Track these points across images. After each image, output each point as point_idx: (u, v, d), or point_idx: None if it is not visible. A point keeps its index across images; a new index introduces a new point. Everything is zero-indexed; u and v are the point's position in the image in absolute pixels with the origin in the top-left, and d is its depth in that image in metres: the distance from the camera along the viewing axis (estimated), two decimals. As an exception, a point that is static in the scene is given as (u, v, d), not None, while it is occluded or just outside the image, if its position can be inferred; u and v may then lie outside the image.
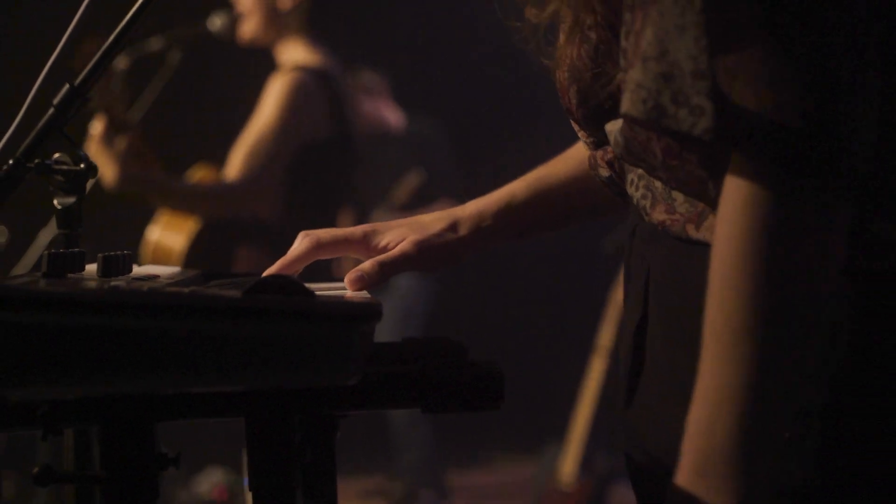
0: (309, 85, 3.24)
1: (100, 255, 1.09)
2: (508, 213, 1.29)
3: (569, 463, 4.21)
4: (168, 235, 3.18)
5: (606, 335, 4.21)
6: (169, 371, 0.91)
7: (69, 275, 1.06)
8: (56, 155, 1.29)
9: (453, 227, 1.28)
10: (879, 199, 0.95)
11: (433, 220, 1.28)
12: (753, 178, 0.88)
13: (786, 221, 0.87)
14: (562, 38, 1.08)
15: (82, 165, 1.28)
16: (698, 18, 0.87)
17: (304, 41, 3.33)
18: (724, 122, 0.87)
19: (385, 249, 1.26)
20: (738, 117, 0.86)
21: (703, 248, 0.96)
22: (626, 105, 0.91)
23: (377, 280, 1.22)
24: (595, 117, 1.07)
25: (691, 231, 1.02)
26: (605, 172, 1.13)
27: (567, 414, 4.33)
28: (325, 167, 3.28)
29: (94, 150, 2.89)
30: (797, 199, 0.87)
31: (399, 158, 5.48)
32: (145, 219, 3.29)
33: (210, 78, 3.89)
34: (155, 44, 3.25)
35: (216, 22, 3.30)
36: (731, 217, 0.89)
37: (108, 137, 2.90)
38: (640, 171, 1.06)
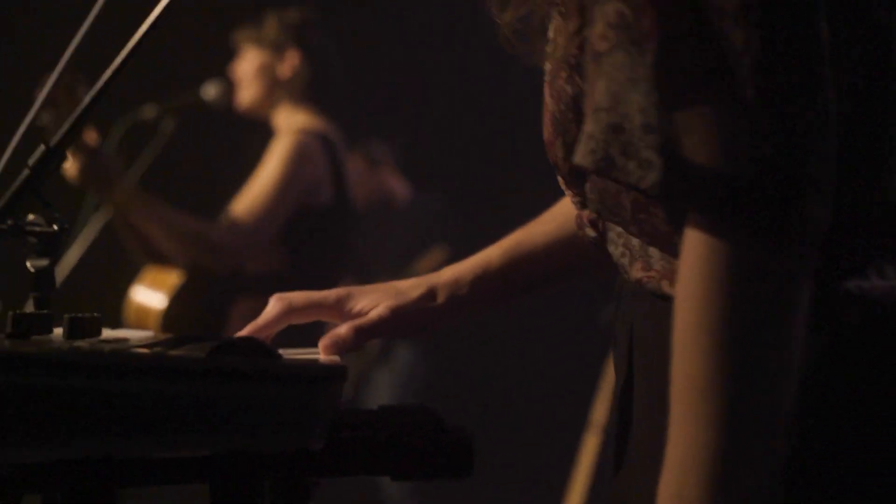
0: (311, 146, 3.25)
1: (66, 316, 1.07)
2: (484, 280, 1.27)
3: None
4: (150, 295, 3.14)
5: (600, 411, 4.16)
6: (130, 433, 0.90)
7: (34, 336, 1.04)
8: (30, 216, 1.27)
9: (430, 294, 1.26)
10: (841, 250, 0.93)
11: (409, 287, 1.26)
12: (708, 234, 0.86)
13: (743, 278, 0.86)
14: (545, 90, 1.08)
15: (56, 227, 1.26)
16: (649, 72, 0.86)
17: (303, 108, 3.35)
18: (673, 177, 0.86)
19: (359, 314, 1.23)
20: (688, 172, 0.85)
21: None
22: (578, 155, 0.91)
23: (352, 345, 1.20)
24: (581, 174, 1.06)
25: (667, 287, 1.01)
26: (590, 233, 1.12)
27: (562, 491, 4.28)
28: (324, 231, 3.27)
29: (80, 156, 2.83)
30: (753, 254, 0.86)
31: (406, 229, 5.50)
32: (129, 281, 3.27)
33: (203, 146, 3.89)
34: (148, 112, 3.26)
35: (210, 91, 3.31)
36: (688, 275, 0.88)
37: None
38: (619, 229, 1.05)
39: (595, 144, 0.89)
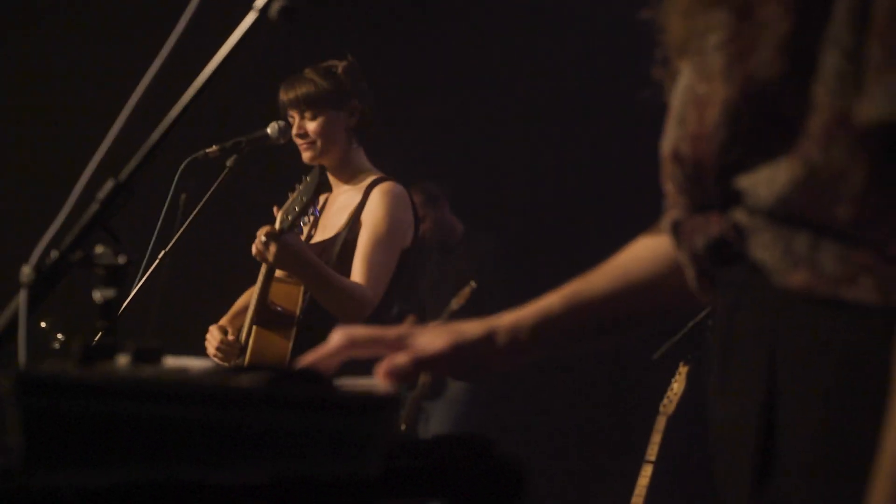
0: (404, 194, 3.34)
1: (129, 345, 1.10)
2: (544, 327, 1.27)
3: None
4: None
5: (654, 449, 4.14)
6: (189, 460, 0.92)
7: (98, 364, 1.08)
8: (98, 248, 1.32)
9: (490, 337, 1.26)
10: None
11: (470, 328, 1.27)
12: None
13: None
14: (719, 60, 1.00)
15: (122, 260, 1.31)
16: None
17: (361, 152, 3.42)
18: None
19: (422, 345, 1.25)
20: None
21: (858, 311, 0.91)
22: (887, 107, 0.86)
23: (409, 373, 1.22)
24: (736, 167, 1.00)
25: (844, 292, 0.93)
26: (701, 241, 1.06)
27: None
28: (408, 273, 3.34)
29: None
30: None
31: (460, 267, 5.53)
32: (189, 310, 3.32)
33: (262, 178, 3.96)
34: (212, 150, 3.33)
35: (275, 129, 3.38)
36: None
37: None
38: (779, 230, 0.98)
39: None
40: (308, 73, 3.36)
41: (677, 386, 4.18)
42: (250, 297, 3.46)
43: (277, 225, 3.03)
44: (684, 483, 5.29)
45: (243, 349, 3.26)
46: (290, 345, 3.12)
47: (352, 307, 3.12)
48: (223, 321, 3.40)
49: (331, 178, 3.48)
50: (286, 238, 3.02)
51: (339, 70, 3.37)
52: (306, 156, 3.34)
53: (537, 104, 5.86)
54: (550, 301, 1.28)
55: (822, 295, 0.95)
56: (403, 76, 6.04)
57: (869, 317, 0.90)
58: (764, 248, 1.00)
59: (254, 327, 3.13)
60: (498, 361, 1.27)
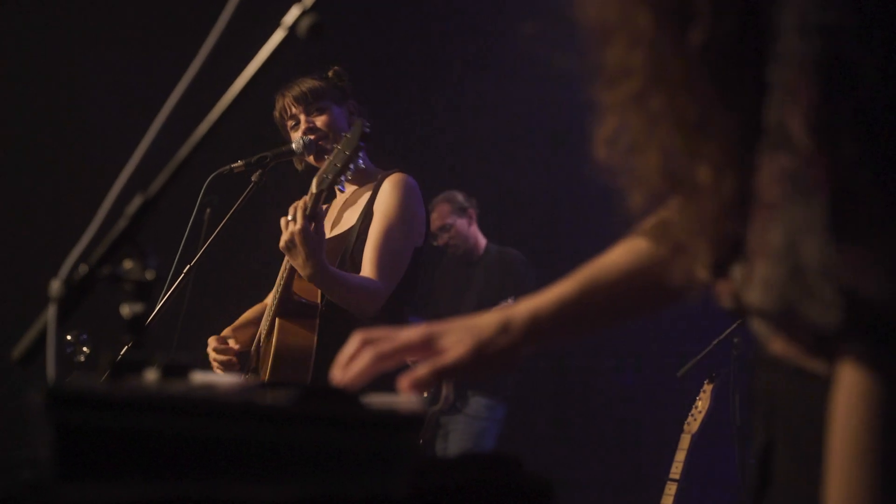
0: (416, 188, 3.29)
1: (157, 359, 1.11)
2: (562, 314, 1.29)
3: None
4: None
5: (678, 467, 4.12)
6: (214, 477, 0.92)
7: (127, 379, 1.08)
8: (126, 263, 1.32)
9: (506, 329, 1.28)
10: None
11: (488, 323, 1.28)
12: (874, 373, 0.90)
13: None
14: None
15: (149, 275, 1.31)
16: (825, 217, 0.90)
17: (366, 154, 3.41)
18: (852, 318, 0.89)
19: (443, 352, 1.27)
20: (866, 313, 0.89)
21: (818, 380, 1.00)
22: (756, 299, 0.95)
23: (430, 385, 1.24)
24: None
25: (808, 364, 1.04)
26: (728, 303, 1.13)
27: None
28: (417, 272, 3.30)
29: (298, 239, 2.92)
30: None
31: (486, 277, 5.54)
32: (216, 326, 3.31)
33: (285, 192, 3.98)
34: (241, 166, 3.34)
35: (300, 143, 3.39)
36: (848, 410, 0.92)
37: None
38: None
39: (774, 288, 0.93)
40: (303, 77, 3.40)
41: (702, 404, 4.16)
42: (256, 310, 3.46)
43: (315, 188, 2.95)
44: (708, 501, 5.26)
45: (252, 354, 3.26)
46: (315, 336, 3.10)
47: (365, 300, 3.08)
48: (226, 331, 3.39)
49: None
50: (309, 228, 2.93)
51: (331, 73, 3.42)
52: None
53: (561, 118, 5.87)
54: (566, 287, 1.31)
55: (794, 363, 1.06)
56: (431, 93, 6.06)
57: (825, 385, 0.98)
58: (753, 316, 1.09)
59: (276, 320, 3.11)
60: (516, 355, 1.29)
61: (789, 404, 1.09)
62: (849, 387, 0.92)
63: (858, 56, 0.89)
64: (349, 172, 2.99)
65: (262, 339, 3.24)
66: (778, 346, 1.08)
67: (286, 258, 3.07)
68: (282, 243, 2.96)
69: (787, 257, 0.92)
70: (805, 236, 0.91)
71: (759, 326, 1.09)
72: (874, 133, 0.88)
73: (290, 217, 2.96)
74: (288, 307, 3.13)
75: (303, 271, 2.99)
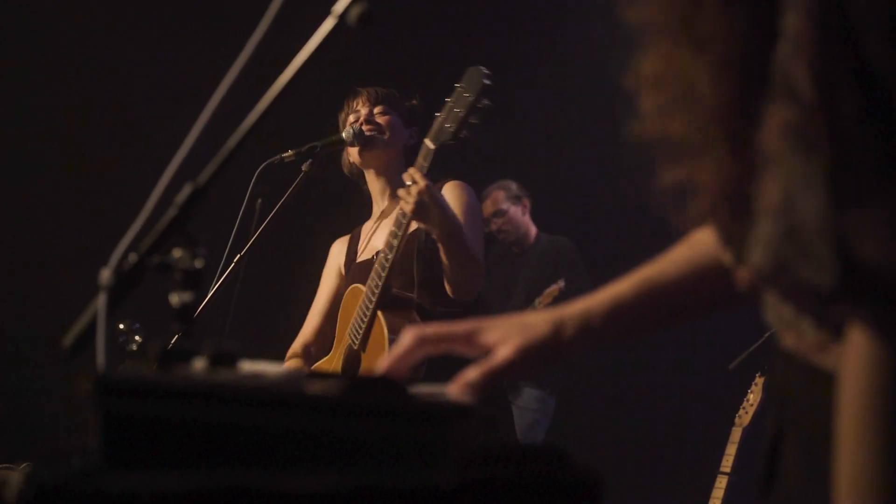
0: (474, 193, 3.36)
1: (206, 347, 1.11)
2: (616, 314, 1.27)
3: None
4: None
5: (728, 460, 4.08)
6: (262, 466, 0.92)
7: (175, 367, 1.08)
8: (176, 252, 1.32)
9: (558, 328, 1.26)
10: None
11: (538, 322, 1.26)
12: (877, 335, 0.88)
13: None
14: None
15: (199, 264, 1.31)
16: (823, 176, 0.88)
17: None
18: (848, 278, 0.87)
19: (488, 347, 1.25)
20: (863, 274, 0.87)
21: (827, 376, 0.98)
22: (753, 256, 0.93)
23: (481, 389, 1.22)
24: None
25: (817, 359, 1.03)
26: (743, 287, 1.11)
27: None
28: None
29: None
30: None
31: (538, 265, 5.53)
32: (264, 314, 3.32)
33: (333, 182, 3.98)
34: (291, 156, 3.34)
35: (350, 133, 3.39)
36: (855, 374, 0.90)
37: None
38: (772, 297, 1.06)
39: (770, 247, 0.91)
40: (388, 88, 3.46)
41: (753, 397, 4.12)
42: (296, 352, 3.49)
43: (431, 144, 2.96)
44: (760, 495, 5.20)
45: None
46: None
47: (474, 271, 3.12)
48: (293, 362, 3.44)
49: (374, 197, 3.51)
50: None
51: (415, 101, 3.49)
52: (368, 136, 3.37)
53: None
54: (621, 288, 1.29)
55: (804, 358, 1.05)
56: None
57: (833, 382, 0.96)
58: (768, 309, 1.08)
59: (378, 312, 3.13)
60: (566, 352, 1.27)
61: (799, 399, 1.09)
62: (854, 351, 0.90)
63: (863, 12, 0.86)
64: (472, 123, 2.93)
65: (354, 343, 3.22)
66: (790, 339, 1.07)
67: (378, 258, 3.09)
68: (409, 208, 2.96)
69: (785, 214, 0.90)
70: (804, 192, 0.88)
71: (772, 318, 1.07)
72: (875, 93, 0.86)
73: (407, 182, 2.98)
74: (386, 299, 3.15)
75: (440, 228, 3.02)
